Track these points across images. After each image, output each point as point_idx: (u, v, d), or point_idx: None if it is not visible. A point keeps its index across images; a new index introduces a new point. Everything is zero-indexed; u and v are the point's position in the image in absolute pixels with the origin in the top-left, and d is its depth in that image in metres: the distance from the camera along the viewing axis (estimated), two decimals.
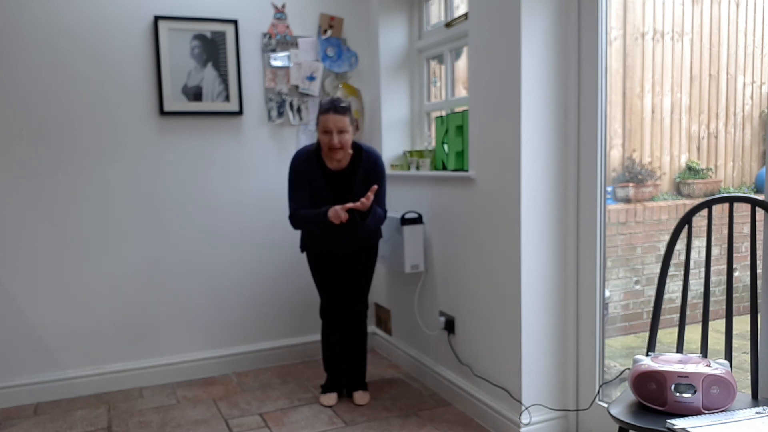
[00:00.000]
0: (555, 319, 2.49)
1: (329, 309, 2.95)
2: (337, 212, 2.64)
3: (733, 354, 1.78)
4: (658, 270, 1.89)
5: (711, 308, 1.83)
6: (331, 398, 2.97)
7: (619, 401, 1.73)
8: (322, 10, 3.48)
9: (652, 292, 3.55)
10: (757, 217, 1.80)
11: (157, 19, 3.12)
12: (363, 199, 2.64)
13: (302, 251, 2.96)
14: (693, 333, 2.32)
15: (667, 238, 2.52)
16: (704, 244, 1.85)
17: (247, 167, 3.41)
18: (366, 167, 2.81)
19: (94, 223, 3.14)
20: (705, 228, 1.85)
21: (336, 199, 2.81)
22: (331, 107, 2.70)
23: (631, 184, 3.50)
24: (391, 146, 3.52)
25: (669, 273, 1.88)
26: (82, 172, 3.10)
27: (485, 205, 2.59)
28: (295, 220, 2.80)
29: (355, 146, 2.84)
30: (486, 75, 2.52)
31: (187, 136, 3.27)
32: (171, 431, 2.72)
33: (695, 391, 1.59)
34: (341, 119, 2.69)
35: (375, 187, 2.65)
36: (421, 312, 3.24)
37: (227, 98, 3.30)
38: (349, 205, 2.65)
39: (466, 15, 2.95)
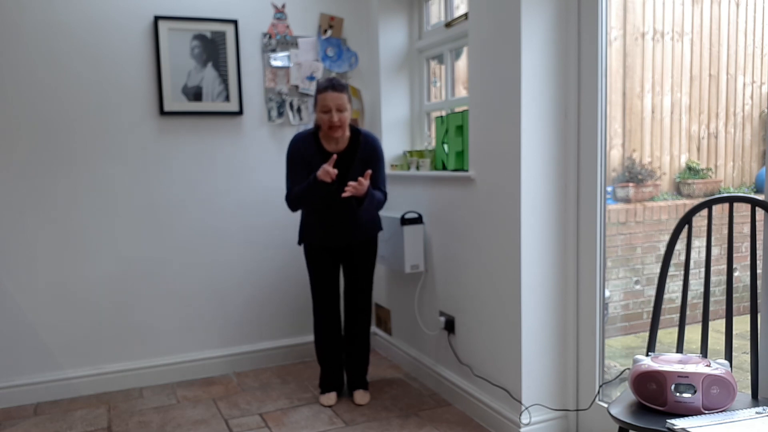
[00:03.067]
0: (555, 319, 2.49)
1: (321, 304, 2.92)
2: (325, 169, 2.61)
3: (733, 354, 1.78)
4: (658, 270, 1.90)
5: (711, 308, 1.82)
6: (330, 398, 2.97)
7: (619, 401, 1.73)
8: (322, 10, 3.48)
9: (652, 292, 3.55)
10: (757, 217, 1.80)
11: (157, 19, 3.12)
12: (355, 183, 2.61)
13: (300, 243, 2.95)
14: (693, 333, 2.33)
15: (667, 238, 2.52)
16: (704, 244, 1.85)
17: (247, 167, 3.40)
18: (365, 150, 2.80)
19: (94, 222, 3.14)
20: (705, 228, 1.85)
21: (334, 182, 2.79)
22: (329, 85, 2.68)
23: (631, 184, 3.50)
24: (391, 146, 3.52)
25: (669, 273, 1.88)
26: (82, 172, 3.10)
27: (485, 205, 2.59)
28: (290, 199, 2.79)
29: (353, 130, 2.83)
30: (486, 75, 2.52)
31: (187, 136, 3.27)
32: (171, 431, 2.72)
33: (695, 391, 1.59)
34: (340, 97, 2.68)
35: (369, 171, 2.64)
36: (421, 312, 3.24)
37: (227, 98, 3.30)
38: (347, 191, 2.62)
39: (466, 15, 2.95)
